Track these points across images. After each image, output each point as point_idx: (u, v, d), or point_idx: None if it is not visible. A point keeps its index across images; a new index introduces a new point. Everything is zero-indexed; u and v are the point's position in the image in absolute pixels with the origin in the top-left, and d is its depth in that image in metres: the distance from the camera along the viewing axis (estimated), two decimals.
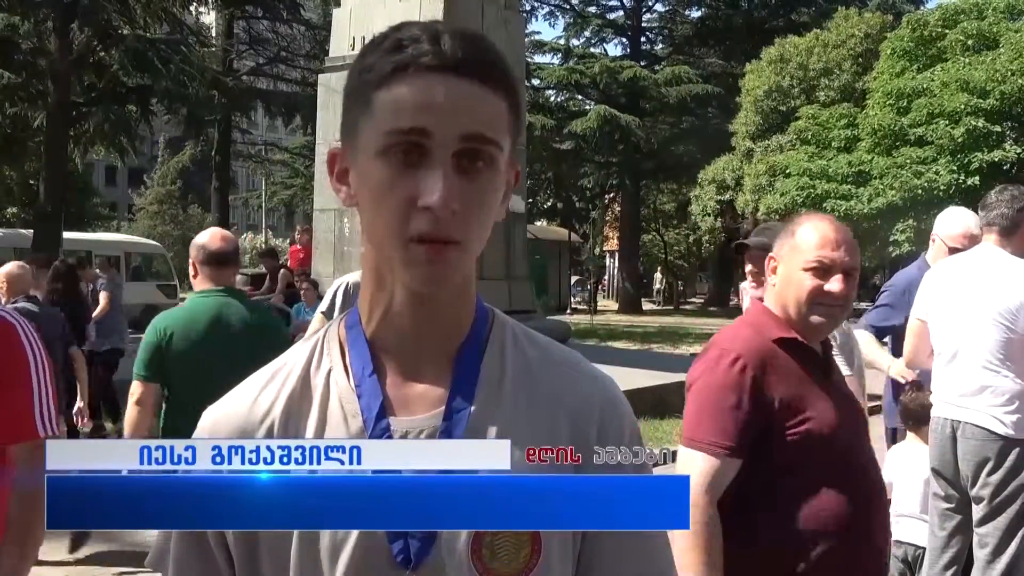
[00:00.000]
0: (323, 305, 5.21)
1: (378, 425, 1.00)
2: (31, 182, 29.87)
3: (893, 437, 4.64)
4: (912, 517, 4.17)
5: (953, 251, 4.29)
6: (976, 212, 4.68)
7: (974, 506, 3.73)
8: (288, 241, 57.54)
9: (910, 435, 4.28)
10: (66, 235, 20.12)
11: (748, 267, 3.49)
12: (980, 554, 3.70)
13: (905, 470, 4.24)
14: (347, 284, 5.08)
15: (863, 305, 40.46)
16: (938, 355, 3.86)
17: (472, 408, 1.01)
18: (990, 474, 3.64)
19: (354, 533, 0.98)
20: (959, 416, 3.72)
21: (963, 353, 3.73)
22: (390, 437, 1.00)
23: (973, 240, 4.31)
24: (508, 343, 1.07)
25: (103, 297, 9.67)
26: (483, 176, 0.96)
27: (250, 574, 1.03)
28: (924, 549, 4.10)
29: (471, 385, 1.03)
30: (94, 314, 9.47)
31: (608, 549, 1.04)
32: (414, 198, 0.93)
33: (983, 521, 3.69)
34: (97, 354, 9.15)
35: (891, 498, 4.34)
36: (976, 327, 3.70)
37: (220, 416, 1.05)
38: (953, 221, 4.47)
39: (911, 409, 4.20)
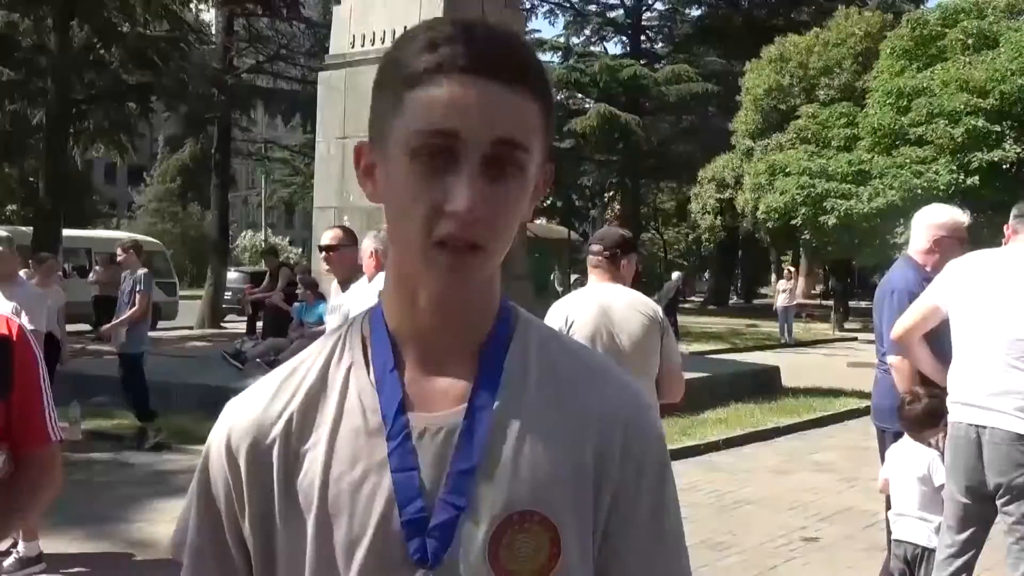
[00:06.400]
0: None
1: (397, 421, 0.98)
2: (31, 179, 29.91)
3: (881, 437, 4.64)
4: (911, 516, 4.17)
5: (937, 241, 4.29)
6: (970, 212, 4.70)
7: (1007, 505, 3.58)
8: (288, 240, 57.63)
9: (907, 435, 4.28)
10: (66, 233, 20.12)
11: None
12: (1015, 547, 3.58)
13: (901, 469, 4.24)
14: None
15: (863, 304, 40.35)
16: (957, 355, 3.70)
17: (496, 405, 0.99)
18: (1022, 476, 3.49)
19: (369, 531, 0.96)
20: (983, 420, 3.56)
21: (986, 352, 3.58)
22: (409, 434, 0.98)
23: (958, 229, 4.32)
24: (532, 343, 1.05)
25: (141, 297, 8.51)
26: (511, 181, 0.94)
27: (265, 569, 1.02)
28: (923, 548, 4.10)
29: (494, 382, 1.00)
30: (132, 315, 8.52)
31: (628, 550, 1.03)
32: (440, 203, 0.92)
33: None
34: (134, 356, 8.63)
35: (889, 494, 4.35)
36: (1000, 325, 3.55)
37: (239, 409, 1.05)
38: (937, 212, 4.48)
39: (915, 416, 4.17)
